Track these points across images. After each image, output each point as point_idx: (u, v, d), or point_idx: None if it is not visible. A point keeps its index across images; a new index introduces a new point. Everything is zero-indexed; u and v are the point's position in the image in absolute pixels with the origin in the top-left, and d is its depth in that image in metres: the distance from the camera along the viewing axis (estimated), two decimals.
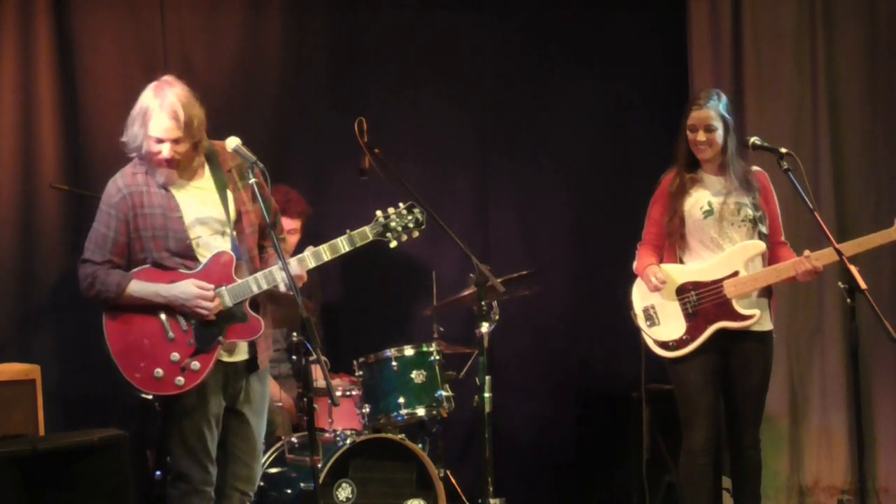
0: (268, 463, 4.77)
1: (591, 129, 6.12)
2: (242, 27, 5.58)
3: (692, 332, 4.45)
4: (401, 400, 4.79)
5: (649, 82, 6.13)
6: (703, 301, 4.45)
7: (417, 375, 4.83)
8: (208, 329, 3.88)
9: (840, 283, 4.05)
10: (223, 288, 3.89)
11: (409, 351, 4.86)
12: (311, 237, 5.33)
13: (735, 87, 5.87)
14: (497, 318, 4.71)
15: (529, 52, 6.06)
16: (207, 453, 3.91)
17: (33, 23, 5.12)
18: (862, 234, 4.36)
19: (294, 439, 4.78)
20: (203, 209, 3.95)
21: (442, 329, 5.12)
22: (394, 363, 4.82)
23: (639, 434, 5.25)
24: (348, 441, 4.63)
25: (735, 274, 4.42)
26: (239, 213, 3.99)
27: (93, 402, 5.10)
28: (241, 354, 3.95)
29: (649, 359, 4.62)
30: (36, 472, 4.08)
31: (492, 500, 4.63)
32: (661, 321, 4.52)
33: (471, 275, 4.62)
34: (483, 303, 4.60)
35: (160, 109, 3.85)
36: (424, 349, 4.88)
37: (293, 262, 3.93)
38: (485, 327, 4.59)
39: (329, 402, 4.50)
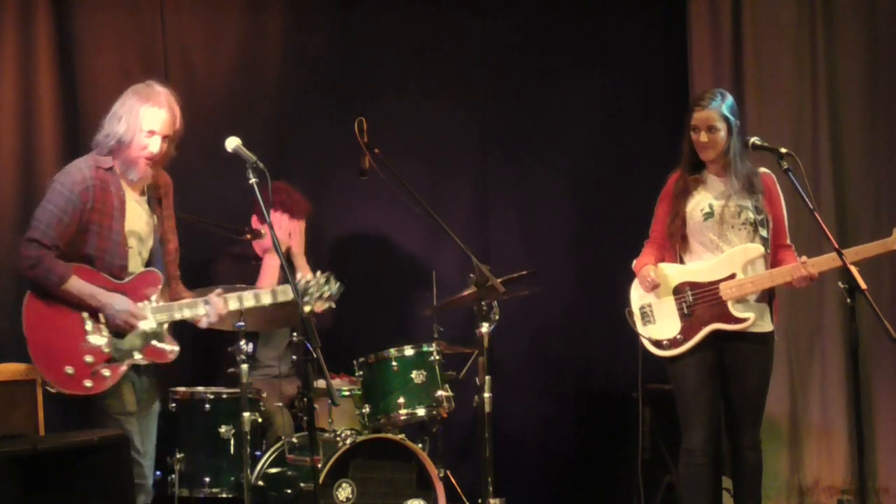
0: (268, 463, 4.78)
1: (591, 129, 6.12)
2: (242, 27, 5.58)
3: (686, 333, 4.45)
4: (401, 400, 4.79)
5: (649, 82, 6.13)
6: (698, 302, 4.44)
7: (417, 375, 4.83)
8: (127, 341, 3.92)
9: (840, 283, 4.04)
10: (149, 306, 3.94)
11: (409, 351, 4.86)
12: (311, 235, 5.35)
13: (735, 87, 5.85)
14: (497, 318, 4.70)
15: (529, 53, 6.06)
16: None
17: (33, 23, 5.12)
18: (862, 234, 4.38)
19: (294, 439, 4.77)
20: (138, 224, 4.00)
21: (442, 329, 5.12)
22: (394, 363, 4.82)
23: (639, 434, 5.25)
24: (348, 441, 4.63)
25: (732, 276, 4.41)
26: (164, 240, 4.05)
27: None
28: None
29: (650, 359, 4.62)
30: (36, 472, 4.06)
31: (492, 500, 4.63)
32: (656, 320, 4.51)
33: (471, 275, 4.61)
34: (483, 303, 4.60)
35: (157, 103, 3.90)
36: (424, 349, 4.88)
37: (212, 297, 4.00)
38: (485, 327, 4.58)
39: (329, 402, 4.51)
